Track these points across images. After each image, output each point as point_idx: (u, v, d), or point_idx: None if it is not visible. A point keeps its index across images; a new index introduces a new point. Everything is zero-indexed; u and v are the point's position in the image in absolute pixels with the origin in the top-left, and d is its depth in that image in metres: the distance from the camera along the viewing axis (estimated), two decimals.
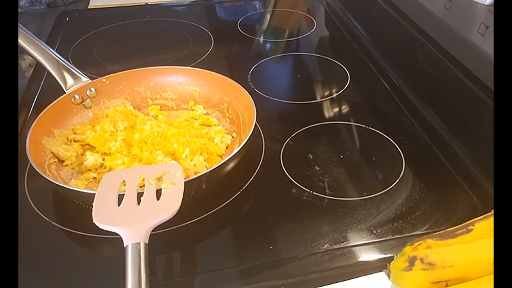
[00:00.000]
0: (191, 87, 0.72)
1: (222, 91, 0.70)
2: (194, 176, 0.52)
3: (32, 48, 0.70)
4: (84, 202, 0.54)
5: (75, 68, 0.69)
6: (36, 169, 0.52)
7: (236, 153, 0.54)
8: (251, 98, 0.63)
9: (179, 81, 0.72)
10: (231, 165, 0.56)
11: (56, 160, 0.60)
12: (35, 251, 0.51)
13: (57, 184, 0.52)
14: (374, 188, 0.58)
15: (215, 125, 0.68)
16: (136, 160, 0.60)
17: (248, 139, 0.56)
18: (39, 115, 0.61)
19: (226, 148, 0.64)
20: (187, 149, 0.59)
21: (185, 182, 0.50)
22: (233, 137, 0.65)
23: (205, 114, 0.69)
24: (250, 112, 0.62)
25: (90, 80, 0.68)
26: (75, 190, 0.52)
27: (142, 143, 0.61)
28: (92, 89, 0.68)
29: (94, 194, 0.48)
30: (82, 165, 0.59)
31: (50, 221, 0.54)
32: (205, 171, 0.53)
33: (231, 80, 0.68)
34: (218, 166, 0.53)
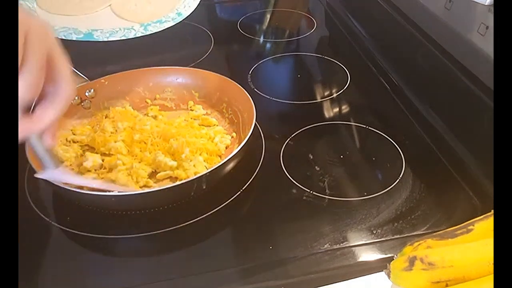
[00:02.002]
0: (190, 87, 0.72)
1: (221, 91, 0.70)
2: (195, 177, 0.52)
3: None
4: (85, 203, 0.54)
5: (73, 69, 0.69)
6: (36, 170, 0.52)
7: (236, 153, 0.54)
8: (250, 99, 0.63)
9: (178, 81, 0.72)
10: (231, 165, 0.56)
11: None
12: (35, 251, 0.51)
13: (57, 185, 0.52)
14: (374, 188, 0.58)
15: (214, 125, 0.67)
16: (136, 160, 0.60)
17: (248, 139, 0.56)
18: None
19: (226, 148, 0.64)
20: (187, 150, 0.59)
21: (185, 183, 0.50)
22: (232, 137, 0.65)
23: (204, 115, 0.69)
24: (250, 112, 0.62)
25: (89, 81, 0.68)
26: (75, 191, 0.52)
27: (142, 144, 0.61)
28: (91, 89, 0.68)
29: (94, 195, 0.48)
30: (82, 166, 0.59)
31: (50, 221, 0.54)
32: (205, 171, 0.53)
33: (231, 80, 0.68)
34: (218, 166, 0.53)
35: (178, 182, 0.53)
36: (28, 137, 0.44)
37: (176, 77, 0.72)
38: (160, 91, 0.72)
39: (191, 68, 0.73)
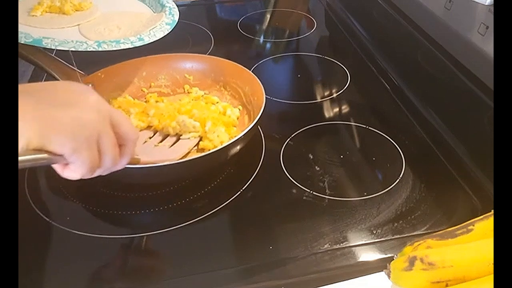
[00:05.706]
0: (183, 71, 0.73)
1: (215, 71, 0.72)
2: (233, 139, 0.55)
3: (25, 49, 0.69)
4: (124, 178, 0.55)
5: (68, 65, 0.68)
6: None
7: (260, 117, 0.58)
8: (248, 71, 0.66)
9: (171, 67, 0.73)
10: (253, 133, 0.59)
11: None
12: (35, 251, 0.51)
13: None
14: (374, 188, 0.58)
15: (217, 102, 0.69)
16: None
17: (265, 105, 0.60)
18: None
19: (237, 119, 0.66)
20: (209, 122, 0.61)
21: (217, 151, 0.54)
22: (239, 109, 0.68)
23: (204, 94, 0.71)
24: (253, 84, 0.65)
25: (86, 75, 0.68)
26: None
27: (159, 115, 0.63)
28: (89, 84, 0.68)
29: (132, 168, 0.50)
30: None
31: (50, 221, 0.54)
32: (239, 135, 0.55)
33: (223, 59, 0.71)
34: (249, 129, 0.55)
35: (215, 149, 0.55)
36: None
37: (168, 64, 0.74)
38: (154, 79, 0.73)
39: (180, 54, 0.75)
